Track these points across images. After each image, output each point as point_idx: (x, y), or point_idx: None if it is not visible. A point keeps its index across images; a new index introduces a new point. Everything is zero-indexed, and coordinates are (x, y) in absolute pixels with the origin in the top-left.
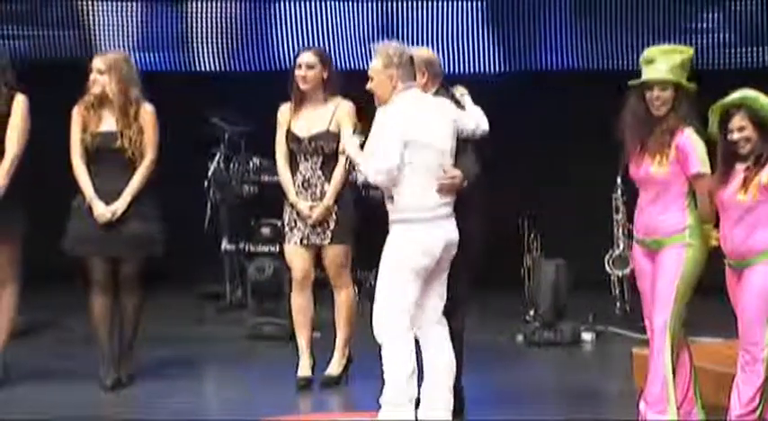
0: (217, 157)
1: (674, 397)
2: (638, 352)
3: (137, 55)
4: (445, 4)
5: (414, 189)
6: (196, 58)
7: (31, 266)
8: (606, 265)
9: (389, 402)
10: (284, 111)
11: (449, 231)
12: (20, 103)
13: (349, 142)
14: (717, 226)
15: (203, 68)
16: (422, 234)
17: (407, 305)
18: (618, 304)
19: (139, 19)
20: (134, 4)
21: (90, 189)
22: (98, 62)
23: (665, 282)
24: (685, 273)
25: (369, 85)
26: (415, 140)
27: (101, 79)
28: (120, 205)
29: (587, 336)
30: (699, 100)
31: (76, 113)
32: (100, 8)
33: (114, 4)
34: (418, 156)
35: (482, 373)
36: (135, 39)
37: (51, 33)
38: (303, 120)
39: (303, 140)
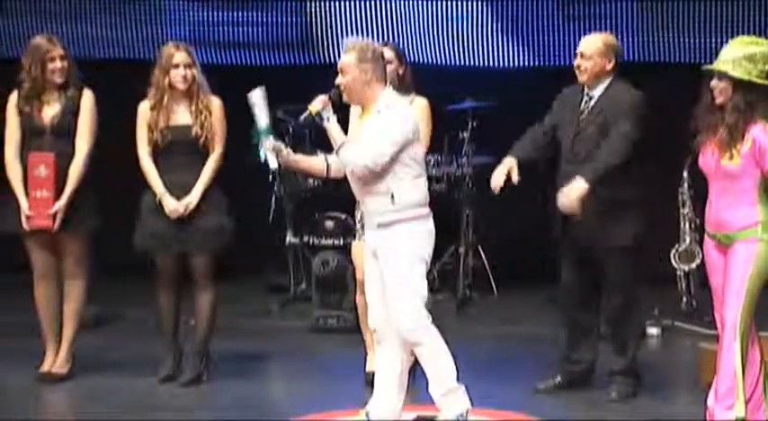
0: None
1: (743, 393)
2: (706, 347)
3: None
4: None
5: (419, 186)
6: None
7: (102, 259)
8: (672, 260)
9: (453, 386)
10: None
11: None
12: (88, 98)
13: (334, 124)
14: None
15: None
16: (430, 228)
17: (425, 297)
18: (684, 299)
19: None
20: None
21: (160, 186)
22: (185, 56)
23: (736, 277)
24: (757, 268)
25: (341, 80)
26: (417, 139)
27: (189, 74)
28: (193, 199)
29: (653, 331)
30: None
31: (144, 110)
32: None
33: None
34: (417, 152)
35: (549, 366)
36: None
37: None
38: None
39: None
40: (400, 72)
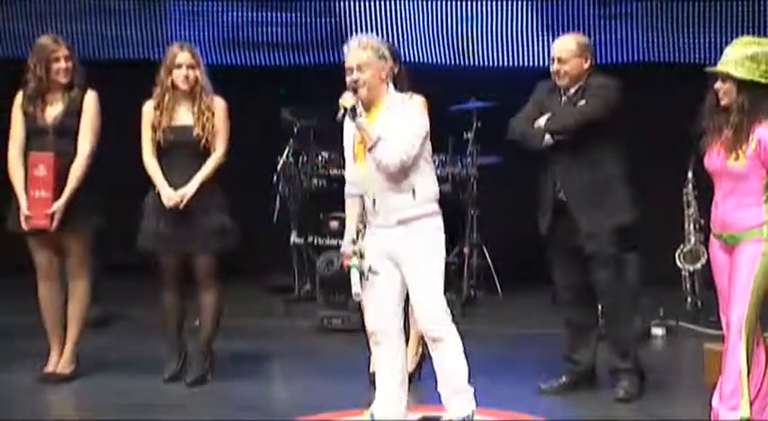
0: (286, 151)
1: (747, 393)
2: (710, 347)
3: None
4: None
5: (433, 181)
6: None
7: (106, 259)
8: (677, 260)
9: (464, 387)
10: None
11: None
12: (91, 99)
13: (365, 121)
14: None
15: None
16: (441, 224)
17: None
18: (689, 299)
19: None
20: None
21: (161, 179)
22: (188, 57)
23: (741, 276)
24: (763, 268)
25: (360, 77)
26: (429, 134)
27: (192, 74)
28: (189, 190)
29: (658, 331)
30: None
31: (149, 110)
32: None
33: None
34: (430, 147)
35: (554, 366)
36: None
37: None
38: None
39: None
40: (395, 71)
